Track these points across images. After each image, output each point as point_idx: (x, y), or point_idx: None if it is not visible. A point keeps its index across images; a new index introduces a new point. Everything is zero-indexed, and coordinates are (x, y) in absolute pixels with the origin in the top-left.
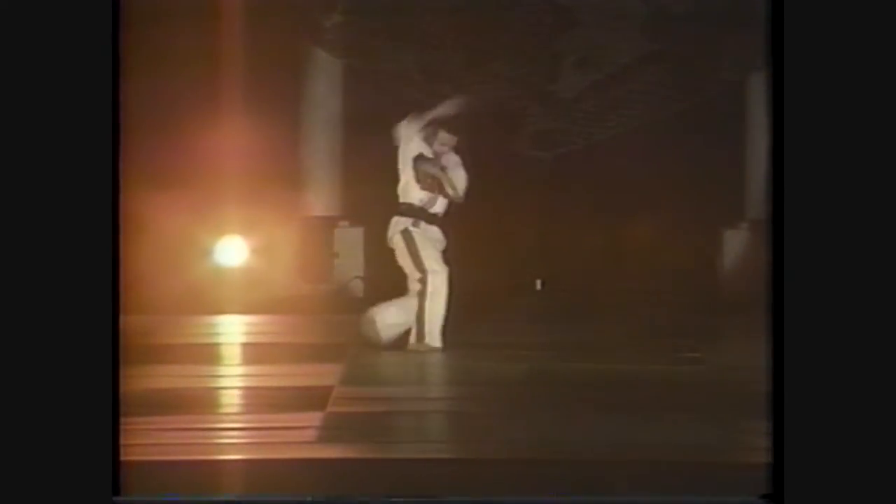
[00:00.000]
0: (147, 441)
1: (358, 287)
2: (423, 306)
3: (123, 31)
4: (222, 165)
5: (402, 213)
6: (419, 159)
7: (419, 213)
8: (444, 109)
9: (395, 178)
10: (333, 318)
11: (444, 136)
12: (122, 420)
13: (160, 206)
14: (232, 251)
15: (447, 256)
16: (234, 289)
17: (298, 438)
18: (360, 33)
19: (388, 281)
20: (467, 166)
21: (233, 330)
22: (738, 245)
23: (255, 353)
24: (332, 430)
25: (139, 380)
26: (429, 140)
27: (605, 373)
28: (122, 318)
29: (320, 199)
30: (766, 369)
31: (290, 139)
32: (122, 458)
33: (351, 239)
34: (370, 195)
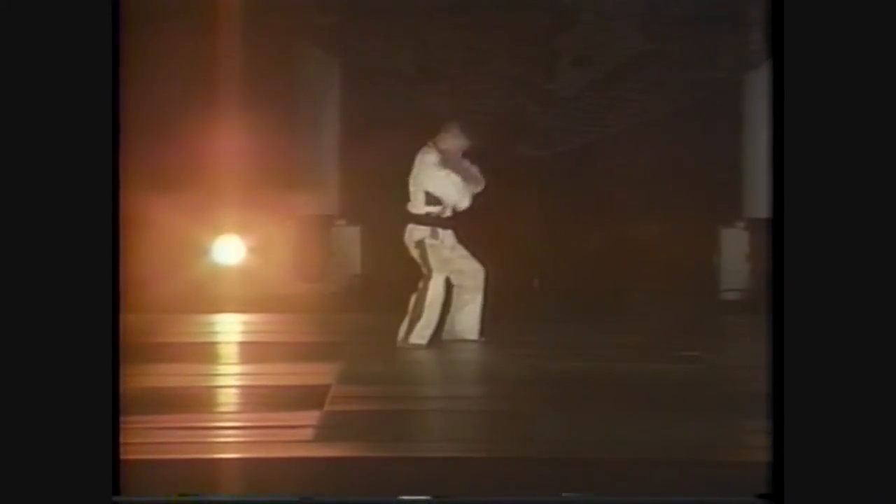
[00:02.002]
0: (147, 440)
1: (354, 286)
2: (420, 309)
3: (123, 31)
4: (221, 165)
5: (418, 223)
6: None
7: (434, 222)
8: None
9: (392, 177)
10: (330, 316)
11: (449, 142)
12: (122, 419)
13: (159, 206)
14: (230, 250)
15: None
16: (233, 288)
17: (297, 437)
18: (358, 33)
19: (384, 280)
20: (474, 172)
21: (231, 328)
22: (738, 244)
23: (253, 351)
24: (330, 429)
25: (139, 378)
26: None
27: (603, 372)
28: (121, 317)
29: (317, 199)
30: (766, 368)
31: (287, 139)
32: (122, 457)
33: (347, 238)
34: (367, 195)
